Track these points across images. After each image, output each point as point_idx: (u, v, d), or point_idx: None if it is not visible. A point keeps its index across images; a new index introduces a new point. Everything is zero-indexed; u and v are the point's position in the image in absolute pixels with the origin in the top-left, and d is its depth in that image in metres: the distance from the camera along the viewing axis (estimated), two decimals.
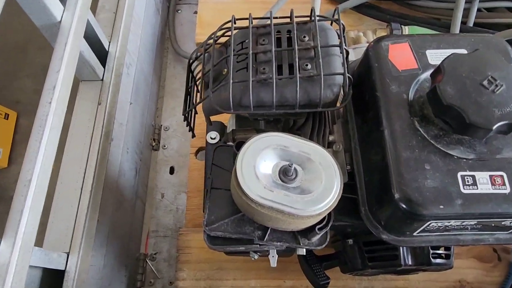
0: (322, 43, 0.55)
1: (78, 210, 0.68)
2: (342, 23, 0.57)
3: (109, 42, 0.83)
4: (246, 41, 0.57)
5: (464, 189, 0.46)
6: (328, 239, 0.53)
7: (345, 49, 0.55)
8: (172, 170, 1.01)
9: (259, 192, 0.45)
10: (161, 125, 1.06)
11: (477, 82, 0.46)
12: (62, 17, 0.65)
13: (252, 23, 0.58)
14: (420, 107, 0.51)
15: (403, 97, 0.51)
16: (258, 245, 0.51)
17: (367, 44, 0.57)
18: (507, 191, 0.46)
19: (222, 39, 0.62)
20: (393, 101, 0.51)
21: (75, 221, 0.67)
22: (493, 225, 0.49)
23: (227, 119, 0.73)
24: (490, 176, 0.47)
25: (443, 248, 0.64)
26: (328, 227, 0.50)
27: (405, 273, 0.70)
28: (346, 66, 0.53)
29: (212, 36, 0.61)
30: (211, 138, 0.70)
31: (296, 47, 0.54)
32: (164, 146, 1.04)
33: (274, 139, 0.49)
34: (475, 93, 0.46)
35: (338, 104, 0.56)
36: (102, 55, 0.80)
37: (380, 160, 0.50)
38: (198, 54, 0.65)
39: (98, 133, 0.74)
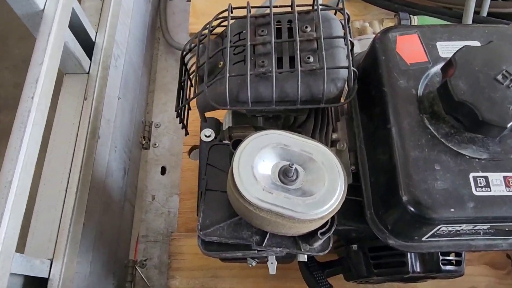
0: (325, 34, 0.55)
1: (63, 214, 0.68)
2: (347, 13, 0.57)
3: (96, 32, 0.83)
4: (244, 31, 0.57)
5: (476, 191, 0.46)
6: (331, 245, 0.53)
7: (350, 40, 0.55)
8: (163, 170, 1.01)
9: (257, 194, 0.45)
10: (152, 122, 1.06)
11: (491, 77, 0.46)
12: (45, 5, 0.65)
13: (250, 12, 0.58)
14: (430, 103, 0.51)
15: (412, 92, 0.51)
16: (256, 251, 0.52)
17: (374, 36, 0.57)
18: None
19: (218, 30, 0.62)
20: (401, 97, 0.51)
21: (59, 225, 0.67)
22: (507, 229, 0.49)
23: (222, 115, 0.73)
24: (504, 177, 0.47)
25: (453, 254, 0.64)
26: (331, 232, 0.51)
27: (413, 280, 0.70)
28: (351, 59, 0.53)
29: (207, 26, 0.61)
30: (206, 136, 0.70)
31: (298, 38, 0.54)
32: (155, 144, 1.03)
33: (273, 137, 0.49)
34: (488, 88, 0.46)
35: (342, 100, 0.56)
36: (88, 46, 0.80)
37: (387, 160, 0.50)
38: (192, 45, 0.65)
39: (84, 131, 0.74)
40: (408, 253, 0.63)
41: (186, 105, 0.65)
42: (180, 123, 0.66)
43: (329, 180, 0.47)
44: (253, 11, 0.59)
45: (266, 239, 0.51)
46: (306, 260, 0.56)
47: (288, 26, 0.57)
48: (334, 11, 0.59)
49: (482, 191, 0.46)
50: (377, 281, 0.74)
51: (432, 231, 0.48)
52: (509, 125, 0.45)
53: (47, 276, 0.63)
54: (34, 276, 0.61)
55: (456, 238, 0.50)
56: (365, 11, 1.07)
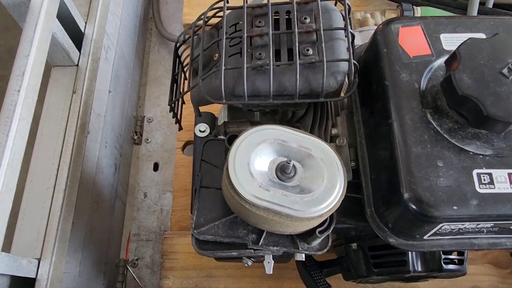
0: (325, 25, 0.55)
1: (51, 212, 0.68)
2: (347, 3, 0.57)
3: (85, 23, 0.83)
4: (240, 22, 0.57)
5: (480, 188, 0.47)
6: (329, 244, 0.53)
7: (350, 32, 0.55)
8: (156, 167, 1.01)
9: (253, 191, 0.45)
10: (144, 117, 1.06)
11: (496, 71, 0.47)
12: None
13: (247, 2, 0.58)
14: (433, 97, 0.51)
15: (415, 86, 0.52)
16: (252, 250, 0.52)
17: (375, 27, 0.57)
18: None
19: (213, 20, 0.62)
20: (403, 91, 0.51)
21: (47, 224, 0.67)
22: (511, 227, 0.50)
23: (217, 110, 0.73)
24: (509, 174, 0.47)
25: (456, 253, 0.65)
26: (330, 230, 0.51)
27: (414, 280, 0.71)
28: (351, 51, 0.53)
29: (202, 16, 0.61)
30: (200, 131, 0.70)
31: (296, 30, 0.54)
32: (147, 139, 1.03)
33: (270, 132, 0.49)
34: (494, 82, 0.46)
35: (342, 94, 0.56)
36: (77, 37, 0.80)
37: (388, 156, 0.50)
38: (186, 36, 0.64)
39: (73, 125, 0.74)
40: (409, 252, 0.63)
41: (180, 99, 0.65)
42: (173, 117, 0.66)
43: (328, 177, 0.47)
44: (250, 1, 0.59)
45: (262, 238, 0.51)
46: (304, 260, 0.57)
47: (287, 17, 0.57)
48: (334, 1, 0.59)
49: (486, 188, 0.47)
50: (377, 281, 0.75)
51: (434, 230, 0.48)
52: None
53: (34, 276, 0.63)
54: (21, 277, 0.61)
55: (459, 237, 0.51)
56: (366, 1, 1.07)
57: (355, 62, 0.53)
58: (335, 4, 0.60)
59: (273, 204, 0.45)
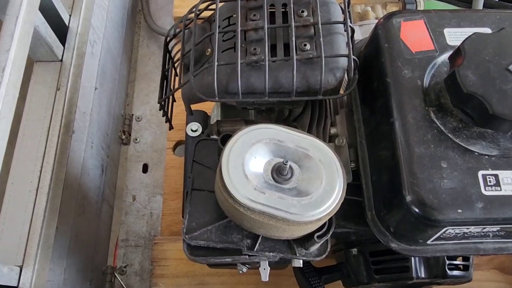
0: (324, 19, 0.55)
1: (33, 216, 0.68)
2: None
3: (70, 16, 0.82)
4: (234, 15, 0.57)
5: (485, 190, 0.47)
6: (328, 249, 0.53)
7: (350, 26, 0.55)
8: (145, 168, 1.01)
9: (248, 194, 0.45)
10: (132, 115, 1.06)
11: (502, 67, 0.47)
12: None
13: None
14: (436, 95, 0.51)
15: (417, 83, 0.52)
16: (247, 256, 0.52)
17: (376, 21, 0.57)
18: None
19: (206, 13, 0.62)
20: (405, 88, 0.51)
21: (30, 229, 0.67)
22: None
23: (210, 108, 0.73)
24: None
25: (460, 258, 0.65)
26: (329, 235, 0.51)
27: (417, 287, 0.71)
28: (351, 46, 0.53)
29: (194, 9, 0.61)
30: (192, 131, 0.70)
31: (293, 23, 0.54)
32: (136, 139, 1.03)
33: (266, 131, 0.49)
34: (500, 79, 0.46)
35: (341, 92, 0.56)
36: (61, 31, 0.79)
37: (389, 157, 0.50)
38: (177, 30, 0.64)
39: (57, 124, 0.74)
40: (412, 258, 0.64)
41: (170, 97, 0.65)
42: (163, 116, 0.66)
43: (327, 178, 0.47)
44: None
45: (258, 243, 0.51)
46: (301, 266, 0.57)
47: (283, 10, 0.57)
48: None
49: (492, 190, 0.47)
50: None
51: (438, 234, 0.49)
52: None
53: (16, 285, 0.63)
54: (2, 285, 0.60)
55: (464, 241, 0.51)
56: None
57: (355, 57, 0.53)
58: None
59: (269, 208, 0.45)
